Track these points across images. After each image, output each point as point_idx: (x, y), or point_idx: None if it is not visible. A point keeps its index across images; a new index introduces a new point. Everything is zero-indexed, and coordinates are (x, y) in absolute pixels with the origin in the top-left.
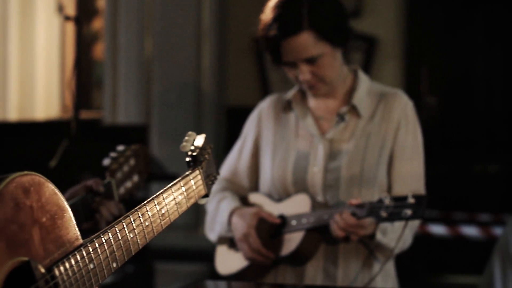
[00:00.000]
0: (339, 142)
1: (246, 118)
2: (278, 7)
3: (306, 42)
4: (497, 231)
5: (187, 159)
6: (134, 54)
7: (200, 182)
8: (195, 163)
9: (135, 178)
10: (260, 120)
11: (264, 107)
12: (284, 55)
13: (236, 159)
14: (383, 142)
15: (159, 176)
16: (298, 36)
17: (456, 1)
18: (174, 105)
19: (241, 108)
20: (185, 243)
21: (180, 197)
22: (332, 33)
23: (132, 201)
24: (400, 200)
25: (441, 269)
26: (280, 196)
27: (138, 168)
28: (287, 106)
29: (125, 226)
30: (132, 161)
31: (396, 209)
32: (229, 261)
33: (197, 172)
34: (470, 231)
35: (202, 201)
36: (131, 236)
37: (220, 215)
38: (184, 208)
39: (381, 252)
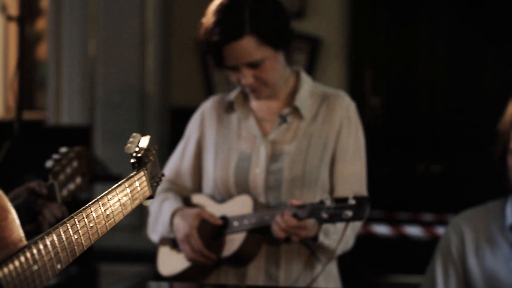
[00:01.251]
0: (281, 144)
1: (189, 118)
2: (220, 12)
3: (248, 46)
4: (440, 230)
5: (132, 160)
6: (78, 54)
7: (145, 183)
8: (140, 164)
9: (78, 180)
10: (202, 120)
11: (207, 107)
12: (226, 60)
13: (179, 160)
14: (325, 143)
15: (103, 177)
16: (240, 41)
17: (400, 2)
18: (118, 106)
19: (185, 109)
20: (129, 244)
21: (124, 198)
22: (274, 37)
23: (76, 203)
24: (341, 202)
25: (385, 269)
26: (223, 197)
27: (81, 170)
28: (229, 107)
29: (69, 227)
30: (75, 163)
31: (337, 210)
32: (171, 262)
33: (141, 173)
34: (413, 231)
35: (147, 203)
36: (76, 237)
37: (162, 216)
38: (129, 209)
39: (323, 253)
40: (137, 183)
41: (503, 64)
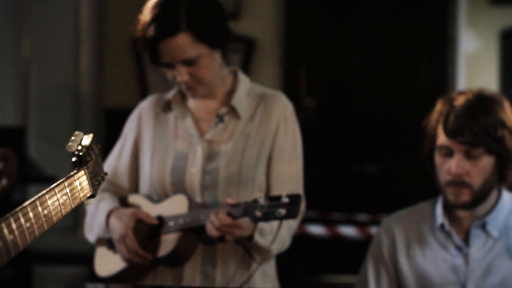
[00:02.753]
0: (218, 143)
1: (124, 119)
2: (156, 8)
3: (183, 43)
4: (374, 230)
5: (73, 159)
6: (11, 55)
7: (86, 182)
8: (81, 163)
9: (4, 182)
10: (140, 120)
11: (144, 107)
12: (162, 56)
13: (116, 160)
14: (262, 144)
15: (37, 178)
16: (175, 37)
17: (334, 3)
18: (52, 106)
19: (119, 110)
20: (64, 245)
21: (64, 198)
22: (210, 34)
23: (11, 204)
24: (275, 200)
25: (320, 269)
26: (159, 197)
27: (7, 171)
28: (167, 106)
29: (5, 227)
30: (0, 165)
31: (270, 208)
32: (108, 263)
33: (82, 172)
34: (348, 231)
35: (88, 202)
36: (11, 237)
37: (98, 216)
38: (68, 208)
39: (259, 253)
40: (77, 182)
41: (435, 66)
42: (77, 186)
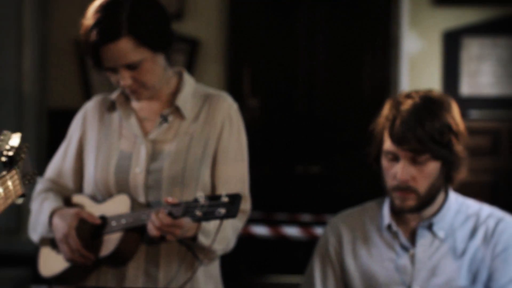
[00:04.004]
0: (162, 143)
1: (68, 120)
2: (98, 12)
3: (126, 48)
4: (318, 231)
5: (3, 159)
6: None
7: (17, 181)
8: (12, 163)
9: None
10: (85, 120)
11: (89, 107)
12: (105, 61)
13: (61, 160)
14: (206, 144)
15: None
16: (117, 42)
17: (279, 4)
18: None
19: (63, 111)
20: (6, 247)
21: None
22: (153, 39)
23: None
24: (215, 199)
25: (264, 269)
26: (103, 197)
27: None
28: (111, 107)
29: None
30: None
31: (210, 208)
32: (51, 263)
33: (14, 172)
34: (292, 231)
35: (19, 201)
36: None
37: (42, 216)
38: (1, 208)
39: (203, 253)
40: (9, 182)
41: (378, 66)
42: (9, 185)
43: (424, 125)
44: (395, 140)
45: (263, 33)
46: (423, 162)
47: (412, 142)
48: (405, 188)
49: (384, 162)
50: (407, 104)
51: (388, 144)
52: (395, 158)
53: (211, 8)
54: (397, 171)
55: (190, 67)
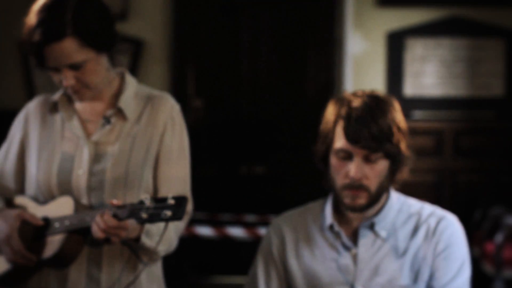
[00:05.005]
0: (105, 145)
1: (10, 121)
2: (42, 12)
3: (69, 48)
4: (263, 231)
5: None
6: None
7: None
8: None
9: None
10: (26, 121)
11: (31, 108)
12: (48, 60)
13: (2, 161)
14: (149, 145)
15: None
16: (61, 42)
17: (223, 5)
18: None
19: (5, 111)
20: None
21: None
22: (97, 39)
23: None
24: (160, 202)
25: (208, 270)
26: (46, 198)
27: None
28: (53, 108)
29: None
30: None
31: (156, 210)
32: None
33: None
34: (236, 231)
35: None
36: None
37: None
38: None
39: (146, 254)
40: None
41: (322, 67)
42: None
43: (378, 123)
44: (350, 138)
45: (207, 34)
46: (375, 161)
47: (367, 140)
48: (357, 187)
49: (334, 161)
50: (357, 102)
51: (341, 142)
52: (347, 157)
53: (155, 8)
54: (349, 169)
55: (134, 68)
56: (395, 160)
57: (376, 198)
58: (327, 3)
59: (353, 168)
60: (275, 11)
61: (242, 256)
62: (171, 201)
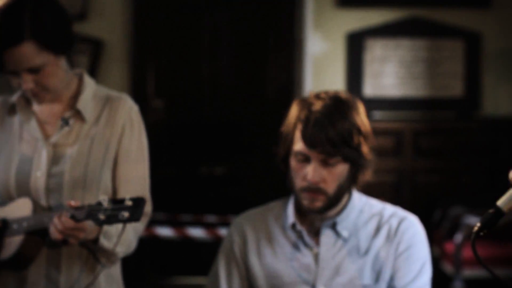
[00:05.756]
0: (63, 147)
1: None
2: None
3: (28, 52)
4: (223, 232)
5: None
6: None
7: None
8: None
9: None
10: None
11: None
12: (6, 64)
13: None
14: (108, 146)
15: None
16: (19, 46)
17: (182, 5)
18: None
19: None
20: None
21: None
22: (55, 42)
23: None
24: (118, 203)
25: (169, 271)
26: (4, 200)
27: None
28: (11, 110)
29: None
30: None
31: (114, 211)
32: None
33: None
34: (197, 232)
35: None
36: None
37: None
38: None
39: (104, 255)
40: None
41: (282, 67)
42: None
43: (336, 127)
44: (308, 142)
45: (167, 34)
46: (334, 164)
47: (324, 144)
48: (314, 190)
49: (294, 163)
50: (318, 105)
51: (299, 146)
52: (306, 159)
53: (115, 8)
54: (307, 172)
55: (94, 68)
56: (355, 163)
57: (335, 200)
58: (287, 4)
59: (310, 172)
60: (235, 11)
61: (202, 257)
62: (128, 203)
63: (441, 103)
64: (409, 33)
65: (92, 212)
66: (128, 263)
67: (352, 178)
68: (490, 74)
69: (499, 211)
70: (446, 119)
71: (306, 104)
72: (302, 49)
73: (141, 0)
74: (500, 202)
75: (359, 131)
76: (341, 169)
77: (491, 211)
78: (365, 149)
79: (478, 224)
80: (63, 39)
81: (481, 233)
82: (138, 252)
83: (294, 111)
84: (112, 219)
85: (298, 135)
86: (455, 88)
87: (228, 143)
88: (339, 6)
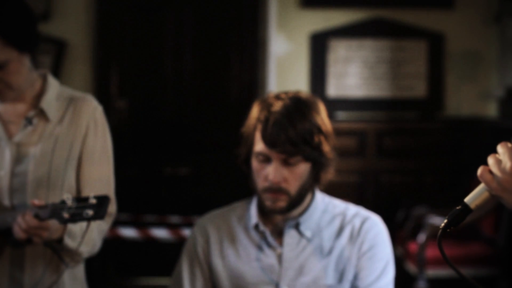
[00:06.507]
0: (27, 146)
1: None
2: None
3: None
4: (187, 232)
5: None
6: None
7: None
8: None
9: None
10: None
11: None
12: None
13: None
14: (72, 146)
15: None
16: None
17: (146, 6)
18: None
19: None
20: None
21: None
22: (19, 37)
23: None
24: (82, 201)
25: (133, 272)
26: None
27: None
28: None
29: None
30: None
31: (78, 210)
32: None
33: None
34: (160, 233)
35: None
36: None
37: None
38: None
39: (69, 255)
40: None
41: (246, 68)
42: None
43: (296, 127)
44: (268, 142)
45: (131, 35)
46: (295, 164)
47: (285, 144)
48: (276, 190)
49: (255, 164)
50: (278, 106)
51: (260, 146)
52: (266, 160)
53: (79, 9)
54: (268, 172)
55: (58, 69)
56: (317, 162)
57: (298, 200)
58: (251, 4)
59: (272, 172)
60: (199, 12)
61: (166, 257)
62: (92, 201)
63: (404, 104)
64: (372, 33)
65: (56, 210)
66: (92, 263)
67: (314, 178)
68: (453, 75)
69: (466, 208)
70: (409, 120)
71: (265, 105)
72: (265, 50)
73: (104, 0)
74: (467, 199)
75: (319, 130)
76: (303, 168)
77: (458, 207)
78: (326, 148)
79: (445, 221)
80: (27, 36)
81: (448, 230)
82: (102, 253)
83: (254, 112)
84: (76, 217)
85: (258, 135)
86: (418, 88)
87: (192, 143)
88: (303, 7)
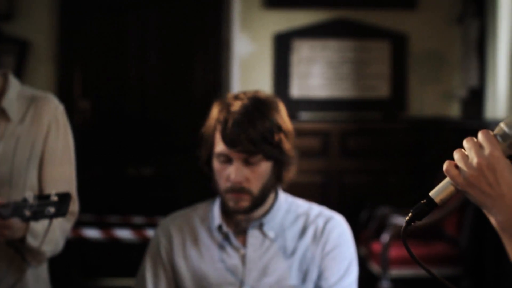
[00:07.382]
0: None
1: None
2: None
3: None
4: (150, 233)
5: None
6: None
7: None
8: None
9: None
10: None
11: None
12: None
13: None
14: (33, 146)
15: None
16: None
17: (109, 6)
18: None
19: None
20: None
21: None
22: None
23: None
24: (44, 199)
25: (96, 273)
26: None
27: None
28: None
29: None
30: None
31: (40, 207)
32: None
33: None
34: (124, 234)
35: None
36: None
37: None
38: None
39: (32, 255)
40: None
41: (210, 68)
42: None
43: (256, 126)
44: (228, 142)
45: (94, 35)
46: (256, 163)
47: (244, 143)
48: (239, 190)
49: (216, 165)
50: (237, 106)
51: (220, 147)
52: (227, 160)
53: (41, 9)
54: (230, 173)
55: (20, 69)
56: (278, 161)
57: (260, 200)
58: (214, 5)
59: (233, 172)
60: (163, 12)
61: (130, 258)
62: (54, 198)
63: (367, 104)
64: (336, 34)
65: (17, 208)
66: (55, 264)
67: (277, 177)
68: (416, 75)
69: (431, 202)
70: (373, 120)
71: (225, 105)
72: (229, 50)
73: (67, 0)
74: (432, 193)
75: (279, 128)
76: (264, 167)
77: (423, 201)
78: (286, 146)
79: (410, 214)
80: None
81: (412, 223)
82: (65, 254)
83: (213, 113)
84: (38, 215)
85: (218, 136)
86: (381, 89)
87: (155, 144)
88: (266, 7)
